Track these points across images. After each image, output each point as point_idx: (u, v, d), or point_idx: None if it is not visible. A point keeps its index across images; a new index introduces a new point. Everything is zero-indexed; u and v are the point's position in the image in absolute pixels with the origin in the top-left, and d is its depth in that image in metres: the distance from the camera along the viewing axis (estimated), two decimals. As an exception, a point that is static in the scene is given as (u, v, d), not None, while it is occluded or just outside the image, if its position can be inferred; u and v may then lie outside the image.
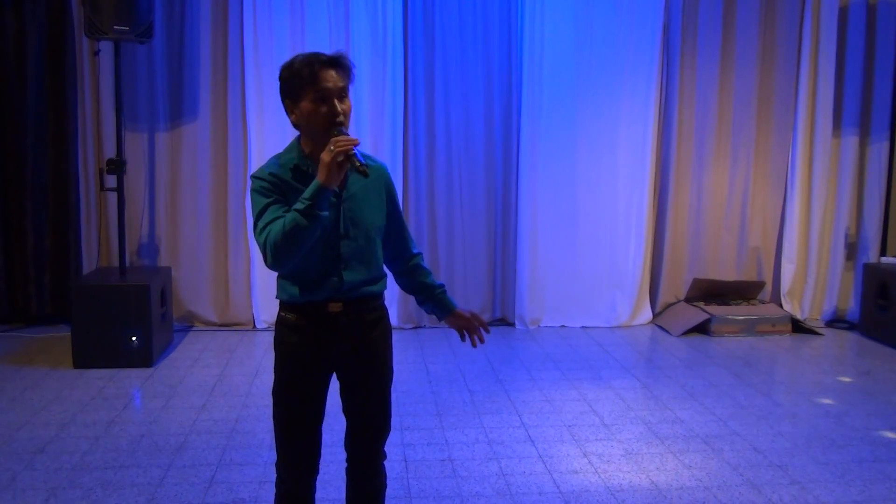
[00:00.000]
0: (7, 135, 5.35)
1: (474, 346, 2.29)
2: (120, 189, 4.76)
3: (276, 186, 1.97)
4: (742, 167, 5.96)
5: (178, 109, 5.42)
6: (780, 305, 6.00)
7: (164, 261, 5.50)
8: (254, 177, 2.01)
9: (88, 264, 5.41)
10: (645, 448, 3.50)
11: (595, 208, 5.82)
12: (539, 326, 5.80)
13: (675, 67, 5.77)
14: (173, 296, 5.33)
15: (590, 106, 5.72)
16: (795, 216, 5.99)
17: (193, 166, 5.46)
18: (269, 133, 5.43)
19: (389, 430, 2.21)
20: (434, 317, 2.34)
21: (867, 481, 3.18)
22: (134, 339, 4.52)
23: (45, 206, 5.43)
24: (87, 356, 4.51)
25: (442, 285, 2.30)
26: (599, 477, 3.18)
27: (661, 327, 5.81)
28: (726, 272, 6.04)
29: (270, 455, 3.34)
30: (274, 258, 1.91)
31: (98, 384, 4.25)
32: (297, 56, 1.98)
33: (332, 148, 1.85)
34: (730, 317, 5.61)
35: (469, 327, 2.28)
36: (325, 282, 2.02)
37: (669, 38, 5.75)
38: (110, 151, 5.17)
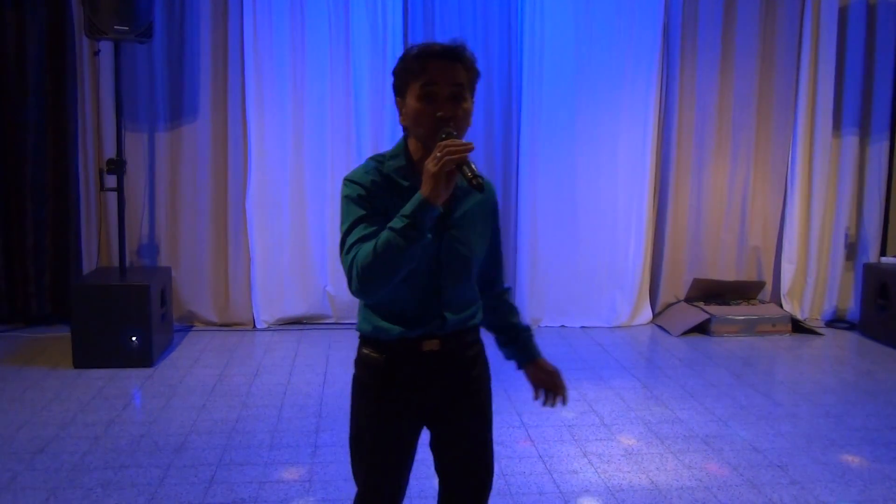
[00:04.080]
0: (7, 135, 5.35)
1: (552, 405, 1.95)
2: (120, 189, 4.76)
3: (374, 196, 1.64)
4: (742, 167, 5.96)
5: (178, 109, 5.42)
6: (780, 305, 6.00)
7: (164, 261, 5.50)
8: (349, 180, 1.67)
9: (88, 264, 5.40)
10: (645, 448, 3.50)
11: (595, 208, 5.82)
12: (539, 326, 5.80)
13: (675, 67, 5.76)
14: (173, 296, 5.33)
15: (590, 106, 5.72)
16: (795, 216, 5.99)
17: (193, 166, 5.46)
18: (269, 133, 5.44)
19: (492, 481, 1.90)
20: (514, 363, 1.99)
21: (867, 481, 3.18)
22: (134, 339, 4.52)
23: (45, 206, 5.43)
24: (87, 356, 4.51)
25: (529, 328, 1.97)
26: (599, 477, 3.18)
27: (661, 327, 5.81)
28: (726, 272, 6.03)
29: (270, 455, 3.34)
30: (360, 284, 1.58)
31: (98, 384, 4.25)
32: (411, 47, 1.68)
33: (438, 155, 1.53)
34: (730, 317, 5.61)
35: (551, 385, 1.93)
36: (425, 320, 1.71)
37: (669, 38, 5.75)
38: (110, 151, 5.17)
